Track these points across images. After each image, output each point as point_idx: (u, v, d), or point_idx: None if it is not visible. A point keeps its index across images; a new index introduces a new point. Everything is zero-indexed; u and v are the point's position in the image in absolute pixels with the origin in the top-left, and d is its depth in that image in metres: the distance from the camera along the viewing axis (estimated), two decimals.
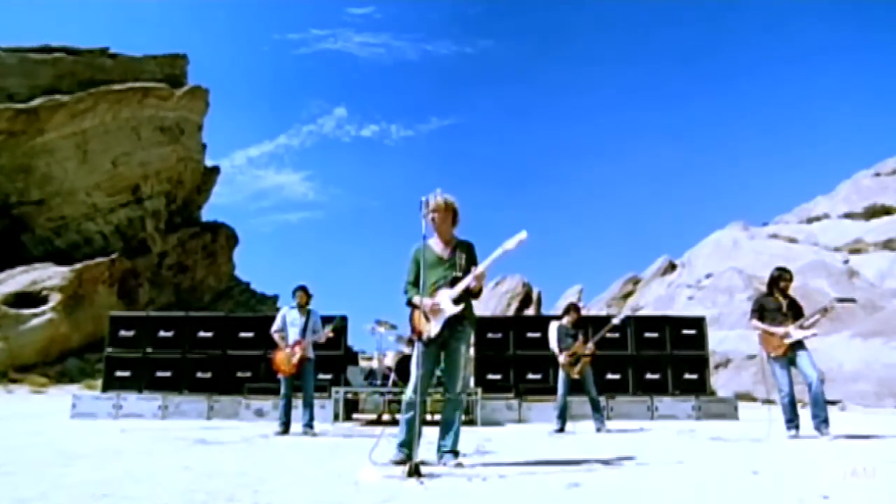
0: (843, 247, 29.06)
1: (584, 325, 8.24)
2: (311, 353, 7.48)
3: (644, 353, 10.58)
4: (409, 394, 4.24)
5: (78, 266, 25.91)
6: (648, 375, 10.54)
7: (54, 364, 23.31)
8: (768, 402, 17.74)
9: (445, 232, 4.44)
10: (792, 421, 6.27)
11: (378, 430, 4.84)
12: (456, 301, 4.27)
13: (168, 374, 10.65)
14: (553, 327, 8.10)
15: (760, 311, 6.63)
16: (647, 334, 10.68)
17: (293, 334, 7.46)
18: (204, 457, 4.62)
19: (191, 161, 37.87)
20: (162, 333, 10.87)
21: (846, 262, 27.26)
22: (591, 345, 7.85)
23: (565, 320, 8.07)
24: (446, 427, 4.31)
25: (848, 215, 30.83)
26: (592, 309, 31.69)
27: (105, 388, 10.60)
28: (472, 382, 10.34)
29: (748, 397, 18.26)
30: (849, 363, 20.21)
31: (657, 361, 10.57)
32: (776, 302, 6.57)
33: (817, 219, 32.11)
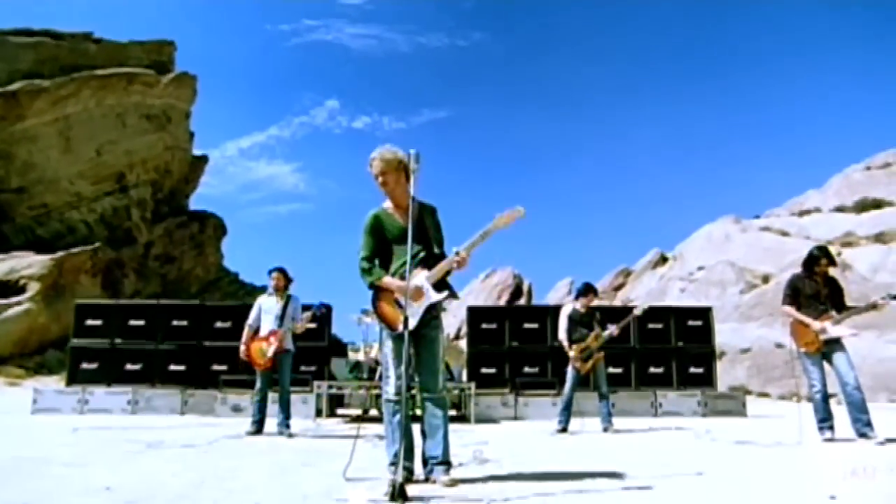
0: (835, 240, 28.52)
1: (598, 312, 7.29)
2: (289, 344, 6.60)
3: (648, 346, 9.80)
4: (391, 394, 3.40)
5: (58, 255, 24.75)
6: (652, 369, 9.77)
7: (33, 355, 22.20)
8: (761, 396, 17.06)
9: (402, 195, 3.52)
10: (826, 420, 5.49)
11: (361, 428, 4.00)
12: (437, 287, 3.44)
13: (138, 366, 9.74)
14: (564, 313, 7.13)
15: (795, 295, 5.78)
16: (651, 325, 9.89)
17: (268, 323, 6.57)
18: (145, 469, 3.76)
19: (178, 150, 36.59)
20: (132, 322, 9.95)
21: (839, 254, 26.70)
22: (613, 329, 6.91)
23: (579, 304, 7.09)
24: (432, 433, 3.46)
25: (839, 209, 30.33)
26: None
27: (70, 382, 9.69)
28: (464, 376, 9.51)
29: (743, 390, 17.75)
30: None
31: (661, 354, 9.80)
32: (814, 286, 5.73)
33: (808, 212, 31.61)
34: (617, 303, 30.77)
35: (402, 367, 3.35)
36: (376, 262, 3.55)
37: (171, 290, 32.15)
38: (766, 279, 27.24)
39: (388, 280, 3.44)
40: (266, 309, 6.65)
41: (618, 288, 31.82)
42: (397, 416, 3.41)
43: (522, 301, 32.16)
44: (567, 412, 6.87)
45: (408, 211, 3.44)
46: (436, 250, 3.52)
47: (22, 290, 22.98)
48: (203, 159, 40.46)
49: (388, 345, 3.46)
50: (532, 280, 34.47)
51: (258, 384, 6.53)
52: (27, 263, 24.03)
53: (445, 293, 3.46)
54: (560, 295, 31.41)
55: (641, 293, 31.14)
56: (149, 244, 32.78)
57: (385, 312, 3.41)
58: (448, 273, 3.45)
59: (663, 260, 32.22)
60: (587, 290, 7.16)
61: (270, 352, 6.43)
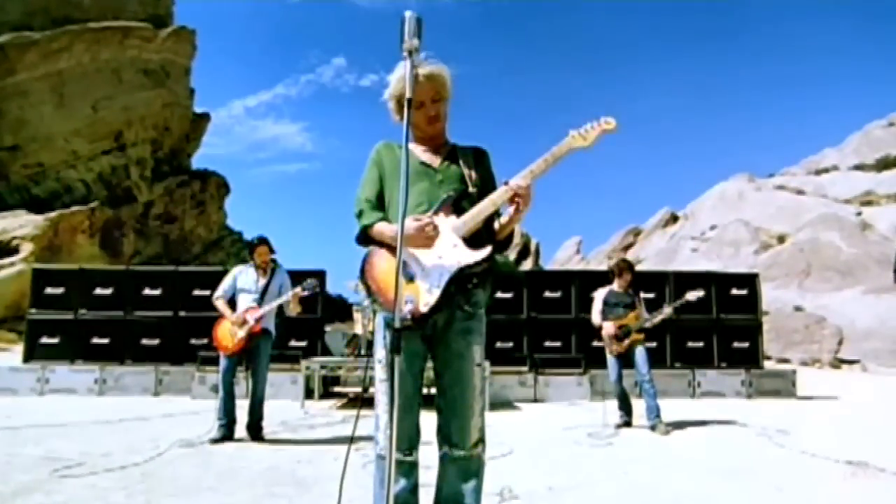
0: (854, 199, 26.89)
1: (637, 288, 5.88)
2: (269, 323, 5.07)
3: (685, 318, 8.28)
4: (380, 443, 1.91)
5: (53, 214, 23.29)
6: (690, 344, 8.31)
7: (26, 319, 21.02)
8: (781, 362, 15.71)
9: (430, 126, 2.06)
10: None
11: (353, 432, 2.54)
12: (470, 242, 1.88)
13: (106, 340, 8.35)
14: (598, 296, 5.81)
15: None
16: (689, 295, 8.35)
17: (245, 302, 5.02)
18: None
19: (178, 107, 34.58)
20: (98, 291, 8.50)
21: (859, 214, 25.04)
22: (667, 310, 5.63)
23: (616, 284, 5.74)
24: None
25: (859, 167, 28.50)
26: (592, 262, 29.48)
27: (27, 358, 8.30)
28: None
29: (762, 356, 16.45)
30: (861, 320, 18.34)
31: (701, 328, 8.32)
32: None
33: (826, 170, 29.77)
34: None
35: (395, 394, 1.68)
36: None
37: (172, 249, 30.80)
38: (781, 239, 25.63)
39: (382, 226, 1.93)
40: (241, 285, 5.08)
41: (627, 248, 30.25)
42: (400, 485, 1.93)
43: (530, 261, 30.70)
44: (626, 403, 5.64)
45: (435, 148, 2.08)
46: (471, 189, 2.00)
47: (15, 250, 21.61)
48: (205, 117, 38.47)
49: (381, 349, 1.94)
50: (540, 239, 32.93)
51: (222, 373, 4.98)
52: (20, 223, 22.59)
53: (487, 251, 1.88)
54: (568, 254, 29.92)
55: (651, 253, 29.59)
56: (149, 203, 31.23)
57: (378, 278, 1.88)
58: (493, 232, 1.98)
59: (674, 219, 30.55)
60: (621, 268, 5.79)
61: (242, 333, 4.90)
